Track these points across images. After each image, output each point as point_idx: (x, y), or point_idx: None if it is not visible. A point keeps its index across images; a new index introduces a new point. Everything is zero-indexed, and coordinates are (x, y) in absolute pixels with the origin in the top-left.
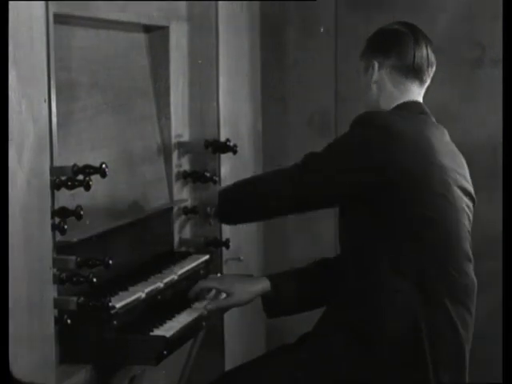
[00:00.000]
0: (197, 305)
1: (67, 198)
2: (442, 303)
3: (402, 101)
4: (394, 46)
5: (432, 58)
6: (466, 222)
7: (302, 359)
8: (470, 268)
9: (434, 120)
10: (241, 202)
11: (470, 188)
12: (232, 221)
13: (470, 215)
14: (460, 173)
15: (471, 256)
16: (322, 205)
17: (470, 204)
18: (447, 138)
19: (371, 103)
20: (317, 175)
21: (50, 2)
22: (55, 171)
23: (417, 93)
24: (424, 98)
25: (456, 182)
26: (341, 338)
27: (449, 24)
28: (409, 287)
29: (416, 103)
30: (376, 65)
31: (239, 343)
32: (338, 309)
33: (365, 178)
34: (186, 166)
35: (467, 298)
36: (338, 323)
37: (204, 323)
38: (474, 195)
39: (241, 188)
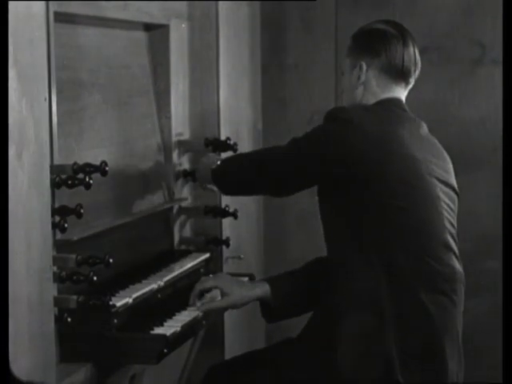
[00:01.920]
0: (194, 307)
1: (67, 197)
2: (413, 289)
3: (373, 100)
4: (383, 47)
5: (418, 59)
6: (445, 212)
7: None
8: (451, 257)
9: (411, 115)
10: (229, 176)
11: (451, 180)
12: (225, 192)
13: (452, 206)
14: (437, 164)
15: (453, 246)
16: (294, 190)
17: (453, 195)
18: (424, 131)
19: (354, 102)
20: (290, 162)
21: (50, 2)
22: (55, 170)
23: (400, 93)
24: (424, 97)
25: (429, 171)
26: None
27: (449, 23)
28: (377, 275)
29: (394, 99)
30: (364, 65)
31: (239, 342)
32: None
33: (327, 170)
34: (186, 164)
35: (447, 285)
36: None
37: (204, 322)
38: (455, 187)
39: (229, 162)
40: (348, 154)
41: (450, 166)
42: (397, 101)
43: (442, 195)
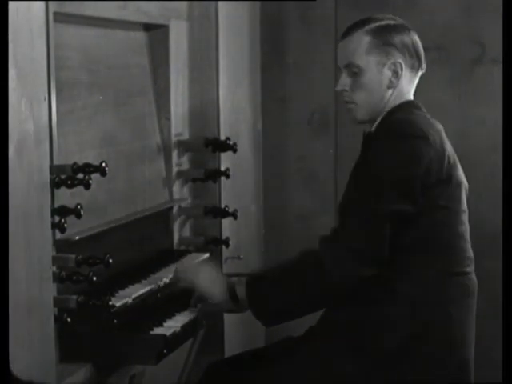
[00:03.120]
0: (193, 308)
1: (67, 197)
2: (443, 303)
3: (401, 99)
4: (411, 42)
5: None
6: (467, 224)
7: (296, 363)
8: (473, 269)
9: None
10: (288, 297)
11: (464, 179)
12: (271, 323)
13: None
14: (454, 159)
15: (472, 256)
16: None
17: (465, 197)
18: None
19: (382, 103)
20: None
21: (49, 2)
22: (55, 170)
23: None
24: (424, 97)
25: (460, 177)
26: (337, 339)
27: (449, 23)
28: (415, 288)
29: (415, 103)
30: (402, 64)
31: (239, 342)
32: (336, 310)
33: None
34: (185, 164)
35: (470, 299)
36: (335, 324)
37: (204, 322)
38: (466, 184)
39: (273, 279)
40: (428, 169)
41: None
42: (417, 105)
43: (466, 207)
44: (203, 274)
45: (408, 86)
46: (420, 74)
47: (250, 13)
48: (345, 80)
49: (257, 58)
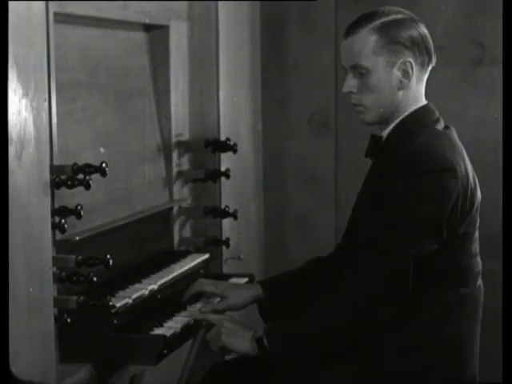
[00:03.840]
0: (192, 308)
1: (67, 197)
2: (458, 328)
3: (418, 103)
4: (421, 38)
5: None
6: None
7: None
8: (480, 279)
9: (442, 122)
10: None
11: (477, 188)
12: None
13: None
14: (474, 179)
15: (480, 264)
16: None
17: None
18: (456, 137)
19: (393, 105)
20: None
21: (50, 2)
22: (55, 170)
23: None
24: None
25: (476, 196)
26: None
27: (449, 23)
28: (425, 319)
29: (431, 109)
30: (413, 63)
31: None
32: None
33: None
34: (186, 165)
35: (479, 311)
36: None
37: (204, 323)
38: (479, 192)
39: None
40: (455, 205)
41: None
42: (433, 111)
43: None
44: (228, 332)
45: (419, 85)
46: (430, 68)
47: (250, 13)
48: (351, 81)
49: (257, 58)
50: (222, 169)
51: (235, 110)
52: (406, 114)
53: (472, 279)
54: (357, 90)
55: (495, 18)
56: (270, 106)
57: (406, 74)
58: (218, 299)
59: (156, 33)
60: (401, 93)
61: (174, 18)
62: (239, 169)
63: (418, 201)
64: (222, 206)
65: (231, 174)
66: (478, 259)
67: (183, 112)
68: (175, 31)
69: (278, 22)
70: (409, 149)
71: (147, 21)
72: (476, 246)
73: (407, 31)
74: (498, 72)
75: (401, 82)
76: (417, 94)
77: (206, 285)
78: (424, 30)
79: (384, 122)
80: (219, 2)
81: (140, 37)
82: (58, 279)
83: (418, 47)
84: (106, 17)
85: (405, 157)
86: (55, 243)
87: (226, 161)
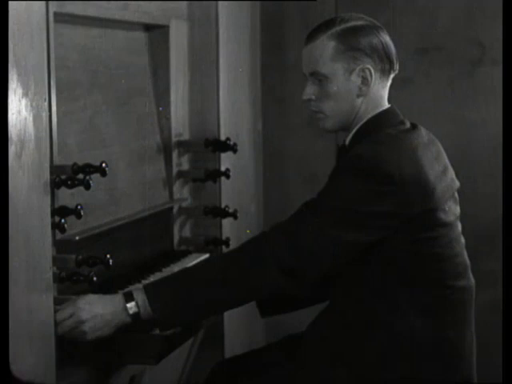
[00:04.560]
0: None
1: (67, 197)
2: (443, 328)
3: (379, 108)
4: (381, 44)
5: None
6: (459, 228)
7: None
8: (468, 275)
9: (408, 124)
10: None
11: (455, 181)
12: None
13: (458, 214)
14: (445, 174)
15: (467, 261)
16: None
17: (457, 198)
18: (425, 137)
19: (353, 112)
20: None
21: (50, 2)
22: (55, 170)
23: (387, 92)
24: (424, 98)
25: (445, 193)
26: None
27: (449, 23)
28: (410, 321)
29: (392, 111)
30: (372, 70)
31: (239, 342)
32: (330, 317)
33: (368, 236)
34: (186, 164)
35: (468, 310)
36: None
37: (204, 322)
38: (457, 182)
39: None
40: (402, 207)
41: (446, 158)
42: (394, 114)
43: (457, 215)
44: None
45: (381, 91)
46: (392, 76)
47: (250, 13)
48: (310, 88)
49: (257, 58)
50: (222, 169)
51: (235, 110)
52: (365, 120)
53: (451, 279)
54: (316, 98)
55: (495, 18)
56: (270, 106)
57: (365, 81)
58: None
59: (156, 33)
60: (360, 100)
61: (173, 17)
62: (239, 169)
63: (344, 194)
64: (222, 206)
65: (231, 173)
66: (462, 259)
67: (183, 112)
68: (175, 31)
69: (278, 22)
70: (353, 153)
71: (147, 20)
72: (457, 250)
73: (367, 38)
74: (497, 72)
75: (360, 88)
76: (377, 101)
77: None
78: (385, 37)
79: (345, 128)
80: (219, 2)
81: (140, 37)
82: (58, 279)
83: (378, 54)
84: (106, 16)
85: (347, 159)
86: (55, 243)
87: (226, 161)
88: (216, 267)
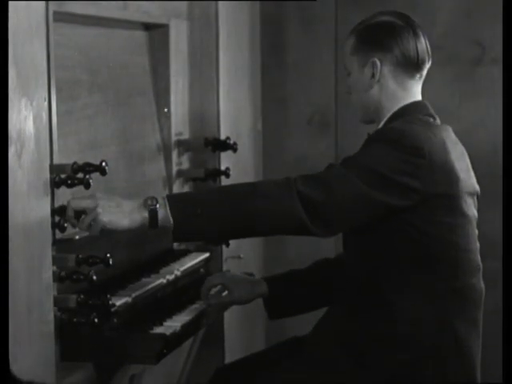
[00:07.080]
0: (192, 307)
1: (67, 196)
2: (450, 322)
3: (406, 101)
4: (395, 40)
5: (429, 49)
6: (476, 230)
7: (296, 369)
8: (479, 277)
9: (439, 120)
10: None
11: (475, 184)
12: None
13: (476, 217)
14: (468, 174)
15: (480, 264)
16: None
17: (476, 203)
18: (453, 135)
19: (371, 104)
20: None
21: (49, 1)
22: (55, 169)
23: (417, 90)
24: (424, 97)
25: (467, 188)
26: (337, 348)
27: (449, 23)
28: (416, 306)
29: (422, 104)
30: (377, 62)
31: (239, 342)
32: (336, 318)
33: (392, 200)
34: (185, 164)
35: (476, 310)
36: (335, 332)
37: (204, 321)
38: (477, 186)
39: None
40: (420, 186)
41: (470, 165)
42: (424, 107)
43: (475, 213)
44: (104, 211)
45: (402, 86)
46: (421, 72)
47: (250, 13)
48: (346, 82)
49: (257, 58)
50: (222, 168)
51: (235, 110)
52: (392, 112)
53: (462, 274)
54: (348, 90)
55: (495, 18)
56: (270, 106)
57: (375, 74)
58: (226, 292)
59: (156, 32)
60: (374, 92)
61: (173, 17)
62: (239, 168)
63: (374, 158)
64: None
65: (231, 173)
66: (474, 256)
67: (183, 111)
68: (175, 30)
69: (278, 22)
70: (384, 126)
71: (147, 20)
72: (470, 242)
73: (384, 33)
74: (498, 72)
75: (369, 81)
76: (398, 94)
77: (214, 277)
78: (421, 39)
79: (372, 121)
80: (219, 2)
81: (140, 36)
82: (57, 278)
83: (391, 49)
84: (106, 16)
85: (379, 130)
86: (55, 242)
87: (225, 160)
88: (244, 187)
